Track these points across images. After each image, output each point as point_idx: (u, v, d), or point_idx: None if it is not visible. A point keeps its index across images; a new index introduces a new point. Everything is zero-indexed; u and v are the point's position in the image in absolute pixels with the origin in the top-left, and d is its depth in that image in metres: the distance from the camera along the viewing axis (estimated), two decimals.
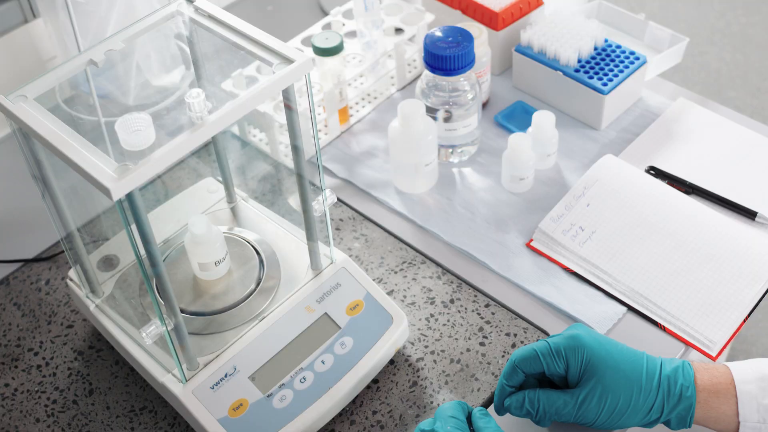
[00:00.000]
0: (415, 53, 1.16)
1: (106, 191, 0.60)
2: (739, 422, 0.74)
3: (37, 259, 0.98)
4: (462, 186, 1.03)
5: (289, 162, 1.05)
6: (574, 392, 0.75)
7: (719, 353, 0.86)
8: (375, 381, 0.84)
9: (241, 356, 0.79)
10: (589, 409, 0.74)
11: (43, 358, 0.89)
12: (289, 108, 0.73)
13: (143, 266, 0.68)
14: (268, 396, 0.78)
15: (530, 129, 1.02)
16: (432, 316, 0.90)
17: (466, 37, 0.97)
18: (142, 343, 0.80)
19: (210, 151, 1.05)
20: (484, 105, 1.12)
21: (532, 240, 0.96)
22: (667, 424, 0.76)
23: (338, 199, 1.02)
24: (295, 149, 0.76)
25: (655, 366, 0.75)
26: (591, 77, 1.05)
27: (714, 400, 0.74)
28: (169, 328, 0.73)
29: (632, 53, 1.08)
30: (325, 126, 1.08)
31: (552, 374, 0.76)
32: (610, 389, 0.74)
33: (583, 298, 0.90)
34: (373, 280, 0.93)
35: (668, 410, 0.74)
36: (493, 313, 0.90)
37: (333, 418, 0.81)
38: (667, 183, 1.00)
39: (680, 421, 0.75)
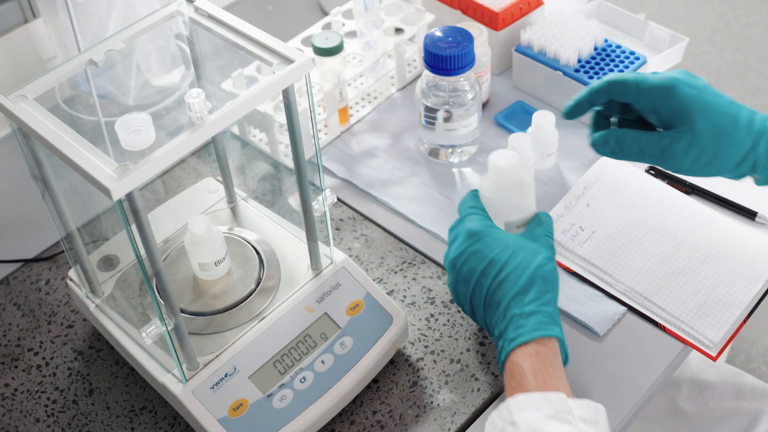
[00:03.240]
0: (415, 53, 1.16)
1: (106, 191, 0.60)
2: None
3: (37, 259, 0.98)
4: (462, 186, 1.03)
5: (289, 162, 1.05)
6: (662, 135, 0.74)
7: (719, 353, 0.86)
8: (375, 381, 0.84)
9: (241, 356, 0.79)
10: (673, 155, 0.74)
11: (43, 358, 0.89)
12: (289, 108, 0.73)
13: (143, 266, 0.68)
14: (268, 396, 0.78)
15: (530, 129, 1.02)
16: (432, 316, 0.90)
17: (466, 37, 0.97)
18: (142, 343, 0.80)
19: (210, 151, 1.05)
20: (484, 105, 1.12)
21: None
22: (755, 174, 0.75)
23: (338, 199, 1.02)
24: (295, 149, 0.76)
25: (754, 119, 0.74)
26: (591, 77, 1.05)
27: None
28: (169, 328, 0.73)
29: (632, 53, 1.08)
30: (325, 126, 1.08)
31: (641, 109, 0.76)
32: (699, 138, 0.73)
33: (583, 298, 0.90)
34: (373, 280, 0.93)
35: (762, 170, 0.74)
36: None
37: (333, 418, 0.81)
38: (667, 183, 1.00)
39: None
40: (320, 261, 0.84)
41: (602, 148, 0.77)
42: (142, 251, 0.67)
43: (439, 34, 0.98)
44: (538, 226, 0.79)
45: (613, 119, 0.83)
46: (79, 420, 0.84)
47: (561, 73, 1.07)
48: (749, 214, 0.96)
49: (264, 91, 0.68)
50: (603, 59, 1.07)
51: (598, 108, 0.79)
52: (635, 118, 0.80)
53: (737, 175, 0.75)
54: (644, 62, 1.07)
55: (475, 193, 0.82)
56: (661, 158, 0.74)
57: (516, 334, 0.72)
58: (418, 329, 0.89)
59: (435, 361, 0.86)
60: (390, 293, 0.92)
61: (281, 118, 1.03)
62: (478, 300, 0.77)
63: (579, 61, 1.07)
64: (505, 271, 0.74)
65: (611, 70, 1.06)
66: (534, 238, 0.78)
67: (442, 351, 0.87)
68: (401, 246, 0.97)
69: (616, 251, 0.93)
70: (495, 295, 0.75)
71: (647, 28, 1.17)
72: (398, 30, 1.16)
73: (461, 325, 0.89)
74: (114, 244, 0.89)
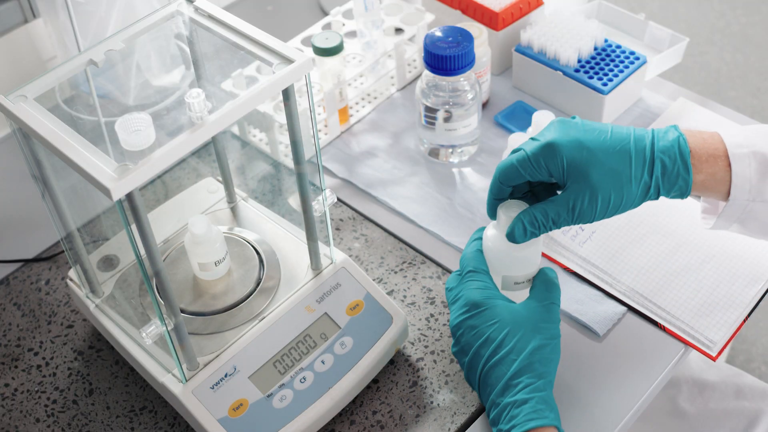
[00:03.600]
0: (415, 53, 1.16)
1: (106, 191, 0.60)
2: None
3: (37, 259, 0.98)
4: (462, 186, 1.03)
5: (289, 162, 1.05)
6: (564, 199, 0.73)
7: (719, 353, 0.86)
8: (375, 381, 0.84)
9: (241, 356, 0.79)
10: (583, 212, 0.73)
11: (43, 358, 0.89)
12: (289, 108, 0.73)
13: (143, 266, 0.68)
14: (268, 396, 0.78)
15: (530, 129, 1.02)
16: (432, 316, 0.90)
17: (466, 37, 0.98)
18: (142, 343, 0.80)
19: (210, 151, 1.05)
20: (484, 105, 1.12)
21: None
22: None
23: (338, 199, 1.02)
24: (295, 149, 0.76)
25: (644, 146, 0.74)
26: (591, 77, 1.05)
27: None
28: (169, 328, 0.73)
29: (632, 53, 1.08)
30: (325, 126, 1.08)
31: (542, 181, 0.75)
32: (599, 188, 0.72)
33: (583, 298, 0.90)
34: (373, 280, 0.93)
35: (665, 191, 0.75)
36: None
37: (333, 418, 0.81)
38: None
39: (679, 196, 0.76)
40: (320, 261, 0.84)
41: (523, 237, 0.75)
42: (142, 251, 0.67)
43: (439, 34, 0.98)
44: (547, 291, 0.76)
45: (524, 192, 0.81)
46: (79, 420, 0.84)
47: (561, 73, 1.07)
48: None
49: (264, 91, 0.68)
50: (603, 59, 1.07)
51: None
52: (543, 185, 0.79)
53: (649, 199, 0.76)
54: (644, 62, 1.07)
55: (479, 246, 0.78)
56: (573, 218, 0.74)
57: (509, 425, 0.70)
58: (418, 329, 0.89)
59: (435, 361, 0.86)
60: (390, 293, 0.92)
61: (281, 118, 1.03)
62: (473, 377, 0.76)
63: (579, 61, 1.07)
64: (500, 354, 0.72)
65: (611, 70, 1.06)
66: (539, 308, 0.75)
67: (442, 351, 0.87)
68: (401, 246, 0.97)
69: (616, 251, 0.93)
70: (488, 377, 0.73)
71: (647, 28, 1.17)
72: (398, 30, 1.16)
73: None
74: (114, 244, 0.89)
